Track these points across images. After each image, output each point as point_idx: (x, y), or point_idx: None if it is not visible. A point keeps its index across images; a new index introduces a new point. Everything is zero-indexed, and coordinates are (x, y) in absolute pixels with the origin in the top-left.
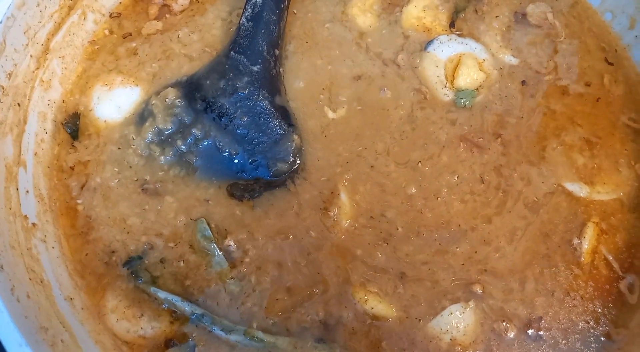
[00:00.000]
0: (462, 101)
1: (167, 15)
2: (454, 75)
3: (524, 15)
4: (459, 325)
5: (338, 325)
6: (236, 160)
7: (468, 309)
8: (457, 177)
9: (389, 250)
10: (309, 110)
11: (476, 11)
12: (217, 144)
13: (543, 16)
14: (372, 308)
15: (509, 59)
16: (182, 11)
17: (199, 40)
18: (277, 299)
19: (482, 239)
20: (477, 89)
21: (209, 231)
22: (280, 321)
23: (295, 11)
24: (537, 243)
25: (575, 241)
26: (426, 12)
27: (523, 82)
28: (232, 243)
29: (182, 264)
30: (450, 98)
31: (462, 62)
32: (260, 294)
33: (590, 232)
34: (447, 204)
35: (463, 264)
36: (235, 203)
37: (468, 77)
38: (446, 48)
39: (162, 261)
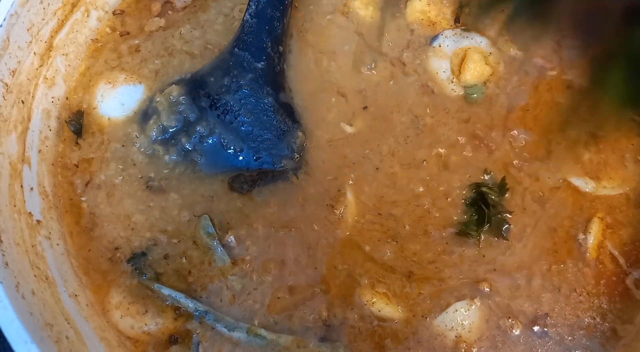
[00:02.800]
0: (471, 96)
1: (169, 12)
2: (460, 70)
3: None
4: (464, 322)
5: (342, 325)
6: (241, 158)
7: (473, 306)
8: (469, 176)
9: (397, 248)
10: (314, 111)
11: (480, 5)
12: (222, 141)
13: None
14: (380, 310)
15: (514, 52)
16: (184, 8)
17: (201, 36)
18: (278, 297)
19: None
20: (484, 83)
21: (212, 227)
22: (282, 320)
23: (297, 4)
24: (544, 239)
25: (581, 236)
26: (431, 7)
27: (526, 73)
28: (232, 238)
29: (184, 260)
30: (458, 93)
31: (468, 57)
32: (262, 292)
33: (595, 227)
34: (455, 202)
35: (470, 265)
36: (237, 195)
37: (475, 72)
38: (451, 42)
39: (165, 257)
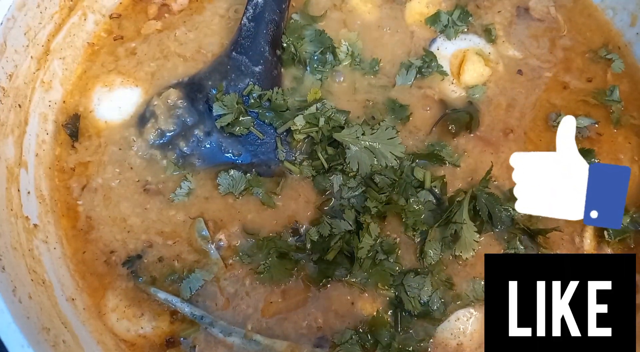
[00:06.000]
0: (472, 97)
1: (166, 15)
2: (459, 72)
3: (527, 9)
4: (465, 330)
5: (338, 334)
6: (239, 161)
7: (475, 313)
8: (471, 179)
9: (400, 254)
10: None
11: (478, 6)
12: (220, 145)
13: (546, 10)
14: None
15: (512, 53)
16: (181, 10)
17: (195, 39)
18: (271, 302)
19: None
20: (484, 83)
21: (206, 231)
22: (276, 325)
23: (293, 4)
24: None
25: (577, 240)
26: (429, 9)
27: (519, 71)
28: (223, 237)
29: (177, 263)
30: (459, 94)
31: (467, 58)
32: (255, 297)
33: (590, 230)
34: None
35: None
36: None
37: (474, 73)
38: (450, 44)
39: (160, 259)
